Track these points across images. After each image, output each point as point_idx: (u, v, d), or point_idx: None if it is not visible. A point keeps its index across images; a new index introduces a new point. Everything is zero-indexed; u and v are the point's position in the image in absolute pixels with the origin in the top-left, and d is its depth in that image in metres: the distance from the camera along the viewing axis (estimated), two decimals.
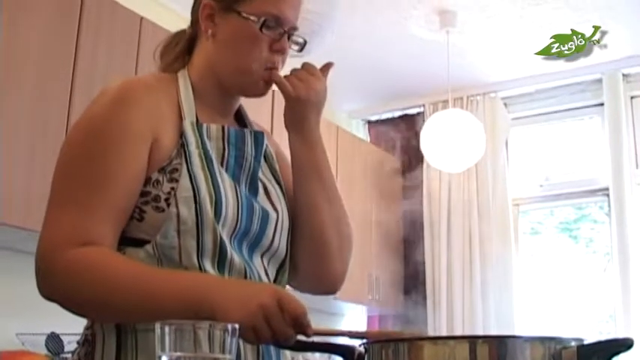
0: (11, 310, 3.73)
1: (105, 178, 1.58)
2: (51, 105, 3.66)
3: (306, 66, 1.88)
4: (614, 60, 6.04)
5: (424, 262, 6.64)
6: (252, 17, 1.77)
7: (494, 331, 6.06)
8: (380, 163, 6.72)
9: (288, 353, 1.81)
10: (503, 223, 6.42)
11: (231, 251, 1.67)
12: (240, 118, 1.98)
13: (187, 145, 1.67)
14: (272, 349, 1.72)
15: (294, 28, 1.85)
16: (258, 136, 1.88)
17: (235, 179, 1.75)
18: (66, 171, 1.62)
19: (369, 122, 7.42)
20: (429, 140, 5.57)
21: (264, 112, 5.03)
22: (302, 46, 1.90)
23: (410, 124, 6.96)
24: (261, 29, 1.76)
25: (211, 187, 1.65)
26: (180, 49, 1.90)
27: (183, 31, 1.92)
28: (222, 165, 1.74)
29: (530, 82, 6.50)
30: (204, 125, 1.74)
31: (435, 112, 6.46)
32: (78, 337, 1.73)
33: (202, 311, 1.43)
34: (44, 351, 3.66)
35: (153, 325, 1.52)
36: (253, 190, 1.81)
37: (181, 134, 1.69)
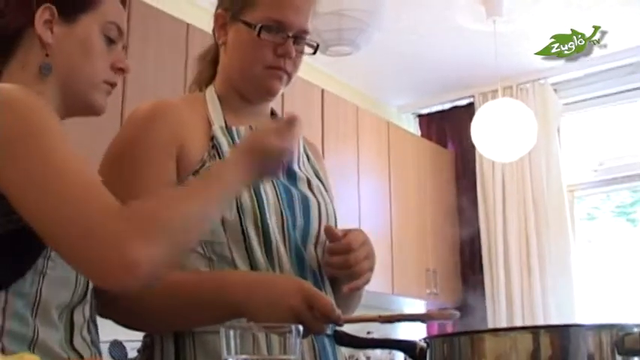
0: None
1: (138, 193, 1.62)
2: (103, 116, 3.70)
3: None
4: None
5: (481, 253, 6.62)
6: (253, 23, 1.81)
7: (554, 320, 6.02)
8: (432, 157, 6.71)
9: (344, 350, 1.83)
10: (559, 210, 6.36)
11: (277, 241, 1.71)
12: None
13: (220, 146, 1.75)
14: (329, 348, 1.75)
15: (304, 32, 1.86)
16: None
17: None
18: None
19: (420, 116, 7.39)
20: (480, 131, 5.54)
21: (315, 118, 5.05)
22: (315, 49, 1.90)
23: (460, 115, 6.92)
24: (259, 35, 1.81)
25: None
26: (208, 60, 1.98)
27: (214, 44, 1.98)
28: None
29: (580, 67, 6.42)
30: (234, 128, 1.81)
31: (485, 102, 6.41)
32: (140, 345, 1.77)
33: (233, 314, 1.52)
34: (108, 358, 3.70)
35: (209, 327, 1.58)
36: (292, 179, 1.86)
37: (212, 138, 1.76)
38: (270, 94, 1.88)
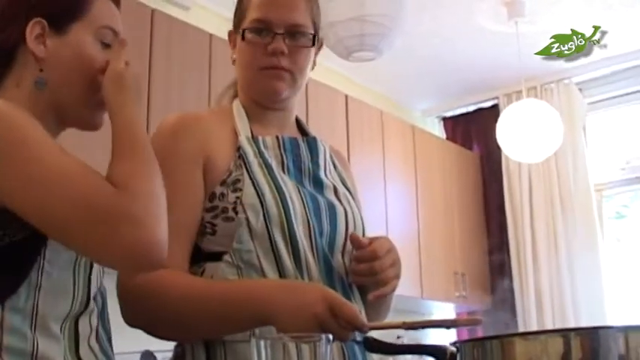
0: None
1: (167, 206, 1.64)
2: None
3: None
4: None
5: (509, 255, 6.59)
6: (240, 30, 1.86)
7: (585, 320, 5.98)
8: (458, 159, 6.70)
9: (374, 357, 1.83)
10: (587, 210, 6.33)
11: (305, 249, 1.71)
12: (303, 129, 2.03)
13: (246, 156, 1.76)
14: (359, 355, 1.75)
15: (296, 26, 1.86)
16: (311, 142, 1.94)
17: (298, 182, 1.82)
18: None
19: (444, 119, 7.38)
20: (505, 132, 5.52)
21: (339, 124, 5.05)
22: (313, 41, 1.89)
23: (485, 117, 6.91)
24: (243, 38, 1.84)
25: (275, 190, 1.72)
26: (233, 78, 2.00)
27: None
28: (283, 171, 1.81)
29: (604, 65, 6.38)
30: (260, 137, 1.82)
31: (510, 103, 6.39)
32: (171, 354, 1.78)
33: (259, 320, 1.52)
34: None
35: (240, 336, 1.58)
36: (319, 187, 1.86)
37: (238, 148, 1.77)
38: (275, 94, 1.87)
